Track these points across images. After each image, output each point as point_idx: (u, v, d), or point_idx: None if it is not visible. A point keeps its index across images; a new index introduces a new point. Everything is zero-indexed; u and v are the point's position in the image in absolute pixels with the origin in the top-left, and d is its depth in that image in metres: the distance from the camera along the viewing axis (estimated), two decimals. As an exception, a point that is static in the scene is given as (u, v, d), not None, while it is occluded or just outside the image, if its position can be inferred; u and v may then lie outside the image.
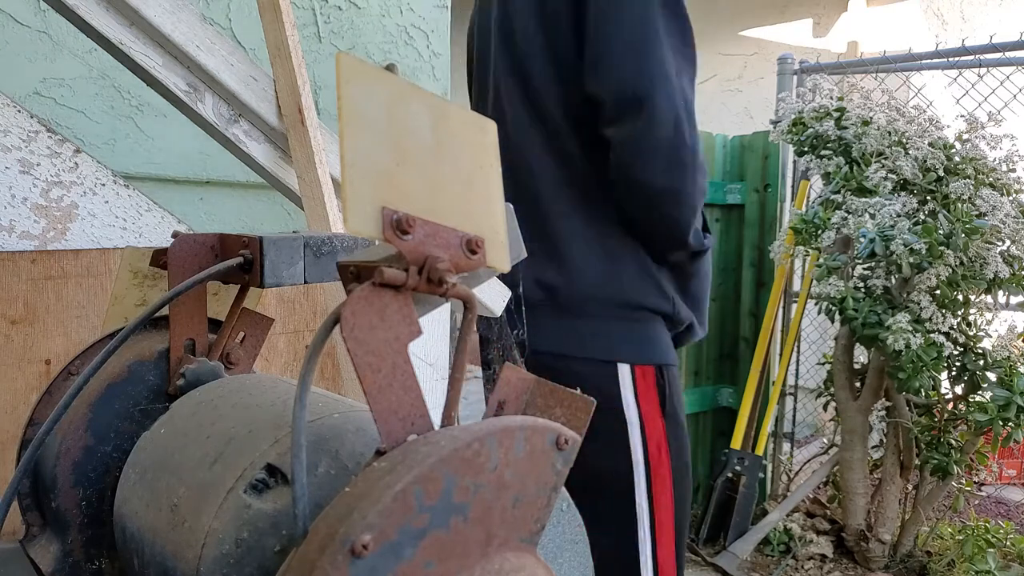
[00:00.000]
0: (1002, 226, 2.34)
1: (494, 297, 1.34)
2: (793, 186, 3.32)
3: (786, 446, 3.41)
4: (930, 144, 2.52)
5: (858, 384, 2.85)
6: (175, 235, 0.69)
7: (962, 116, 2.64)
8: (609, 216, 1.27)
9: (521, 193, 1.29)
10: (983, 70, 2.84)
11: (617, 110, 1.17)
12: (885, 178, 2.48)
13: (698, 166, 1.21)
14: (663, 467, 1.33)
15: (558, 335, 1.30)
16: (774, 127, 3.01)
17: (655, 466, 1.32)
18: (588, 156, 1.27)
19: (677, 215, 1.23)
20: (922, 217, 2.43)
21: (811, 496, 3.14)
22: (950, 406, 2.70)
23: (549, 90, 1.27)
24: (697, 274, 1.33)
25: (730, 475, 3.02)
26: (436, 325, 1.35)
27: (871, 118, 2.66)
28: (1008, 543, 2.73)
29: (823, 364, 3.17)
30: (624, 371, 1.26)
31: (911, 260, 2.30)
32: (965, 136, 2.58)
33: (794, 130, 2.82)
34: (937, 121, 2.67)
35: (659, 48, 1.16)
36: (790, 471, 3.38)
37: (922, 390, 2.44)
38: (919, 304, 2.38)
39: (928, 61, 2.96)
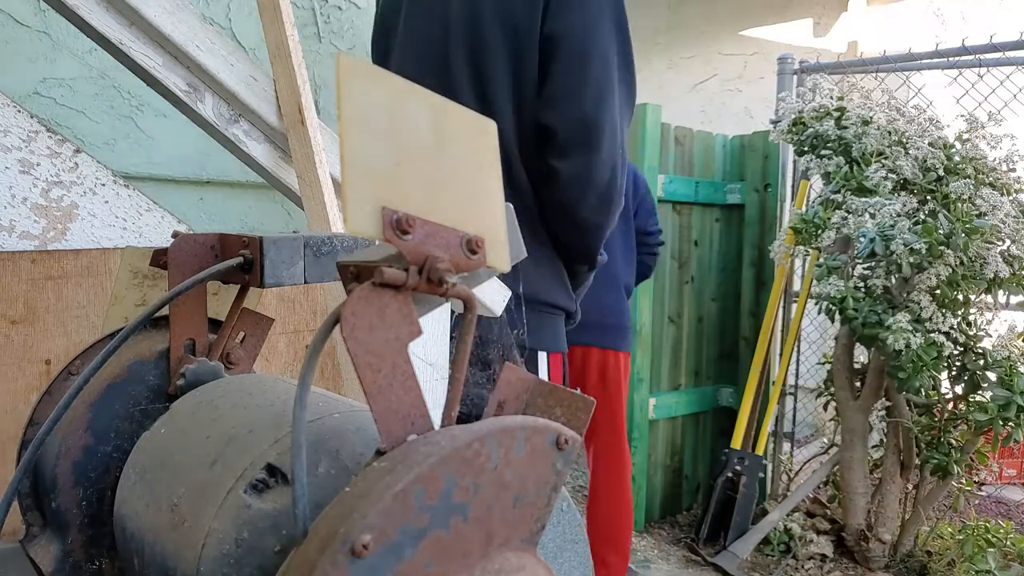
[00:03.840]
0: (1002, 226, 2.34)
1: (494, 297, 1.34)
2: (793, 186, 3.31)
3: (786, 446, 3.41)
4: (930, 144, 2.52)
5: (858, 384, 2.85)
6: (175, 235, 0.69)
7: (962, 116, 2.64)
8: (537, 232, 1.46)
9: None
10: (983, 70, 2.84)
11: (569, 143, 1.35)
12: (885, 178, 2.48)
13: (620, 211, 1.47)
14: None
15: (490, 323, 1.51)
16: (774, 127, 3.01)
17: None
18: (533, 186, 1.44)
19: (597, 243, 1.49)
20: (922, 217, 2.43)
21: (811, 496, 3.13)
22: (950, 406, 2.69)
23: (508, 117, 1.40)
24: (587, 283, 1.61)
25: (730, 475, 3.02)
26: (436, 325, 1.35)
27: (871, 118, 2.66)
28: (1008, 543, 2.73)
29: (823, 364, 3.17)
30: (542, 357, 1.50)
31: (911, 260, 2.30)
32: (965, 136, 2.58)
33: (794, 130, 2.82)
34: (937, 121, 2.67)
35: (613, 106, 1.36)
36: (790, 471, 3.38)
37: (922, 390, 2.44)
38: (919, 304, 2.38)
39: (928, 61, 2.96)
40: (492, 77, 1.39)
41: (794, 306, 3.23)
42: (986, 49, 2.76)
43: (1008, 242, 2.41)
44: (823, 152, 2.70)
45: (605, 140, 1.34)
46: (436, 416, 0.48)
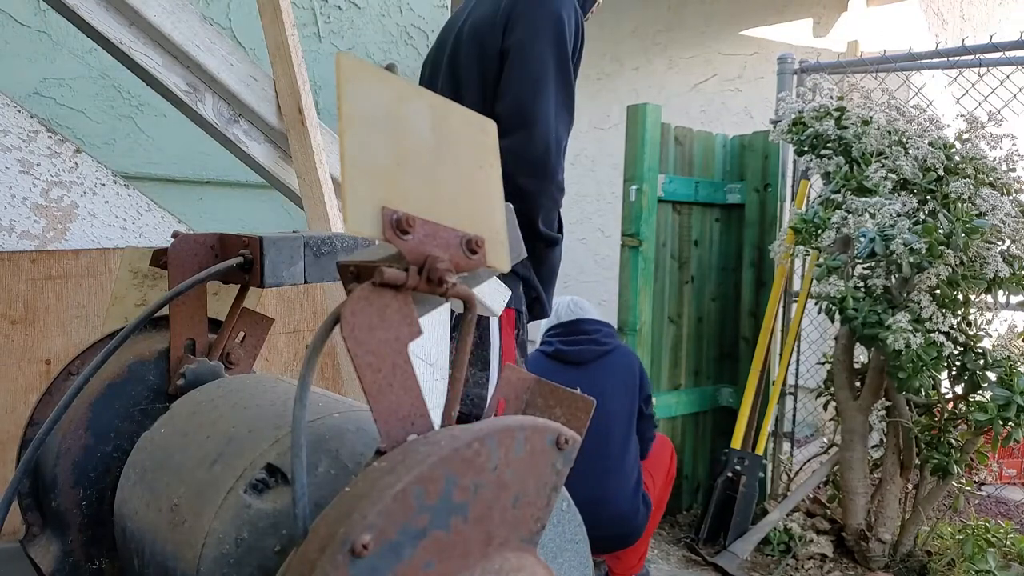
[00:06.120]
0: (1002, 226, 2.34)
1: (494, 297, 1.34)
2: (793, 186, 3.31)
3: (786, 446, 3.41)
4: (930, 144, 2.52)
5: (858, 384, 2.85)
6: (175, 235, 0.69)
7: (962, 116, 2.64)
8: None
9: None
10: (983, 70, 2.83)
11: (509, 124, 1.66)
12: (885, 178, 2.48)
13: (556, 184, 1.72)
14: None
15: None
16: (774, 127, 3.01)
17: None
18: None
19: (536, 213, 1.70)
20: (922, 217, 2.43)
21: (811, 496, 3.13)
22: (950, 406, 2.69)
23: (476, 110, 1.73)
24: (546, 260, 1.81)
25: (730, 475, 3.02)
26: (436, 325, 1.35)
27: (871, 118, 2.66)
28: (1008, 543, 2.73)
29: (823, 364, 3.17)
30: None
31: (911, 260, 2.30)
32: (965, 136, 2.58)
33: (794, 130, 2.82)
34: (937, 121, 2.67)
35: (547, 98, 1.68)
36: (790, 471, 3.38)
37: (922, 390, 2.44)
38: (919, 304, 2.38)
39: (928, 61, 2.96)
40: (464, 82, 1.80)
41: (794, 306, 3.22)
42: (986, 49, 2.76)
43: (1008, 242, 2.41)
44: (823, 152, 2.70)
45: (539, 122, 1.65)
46: (436, 416, 0.48)
